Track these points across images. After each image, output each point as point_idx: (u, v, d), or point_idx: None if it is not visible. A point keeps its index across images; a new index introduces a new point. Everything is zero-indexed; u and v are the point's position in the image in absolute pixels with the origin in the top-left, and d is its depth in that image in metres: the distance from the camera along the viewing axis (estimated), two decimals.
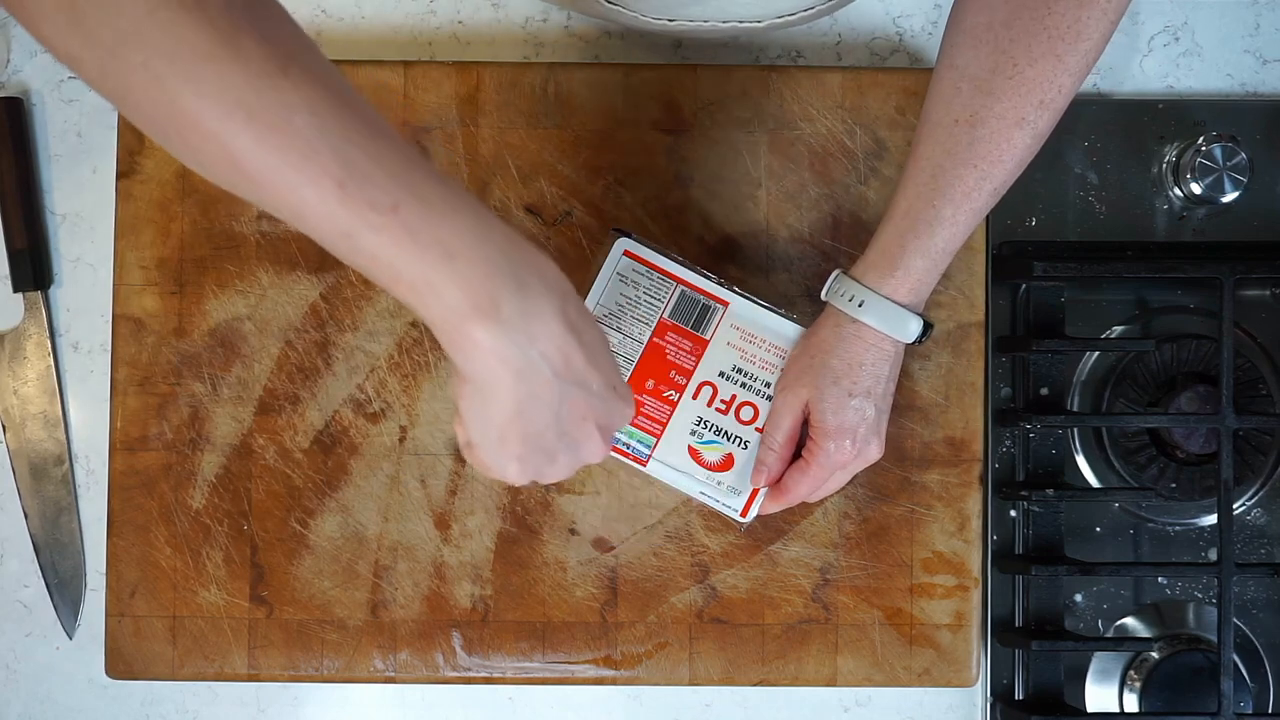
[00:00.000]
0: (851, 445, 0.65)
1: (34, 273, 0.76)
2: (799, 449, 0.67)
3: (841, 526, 0.74)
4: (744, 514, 0.68)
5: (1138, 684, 0.76)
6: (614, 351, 0.67)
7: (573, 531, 0.74)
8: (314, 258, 0.75)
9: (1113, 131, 0.78)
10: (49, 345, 0.77)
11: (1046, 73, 0.59)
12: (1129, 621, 0.77)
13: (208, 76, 0.42)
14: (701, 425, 0.68)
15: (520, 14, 0.79)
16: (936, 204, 0.61)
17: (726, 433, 0.68)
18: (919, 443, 0.75)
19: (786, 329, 0.68)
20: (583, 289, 0.68)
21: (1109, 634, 0.77)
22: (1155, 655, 0.76)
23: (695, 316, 0.68)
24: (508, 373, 0.48)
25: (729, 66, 0.76)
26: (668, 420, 0.68)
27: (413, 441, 0.74)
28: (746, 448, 0.68)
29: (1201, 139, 0.75)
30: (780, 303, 0.70)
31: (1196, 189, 0.75)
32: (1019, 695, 0.76)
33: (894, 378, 0.66)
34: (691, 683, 0.74)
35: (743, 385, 0.68)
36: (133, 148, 0.75)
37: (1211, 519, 0.78)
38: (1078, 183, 0.78)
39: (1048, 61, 0.59)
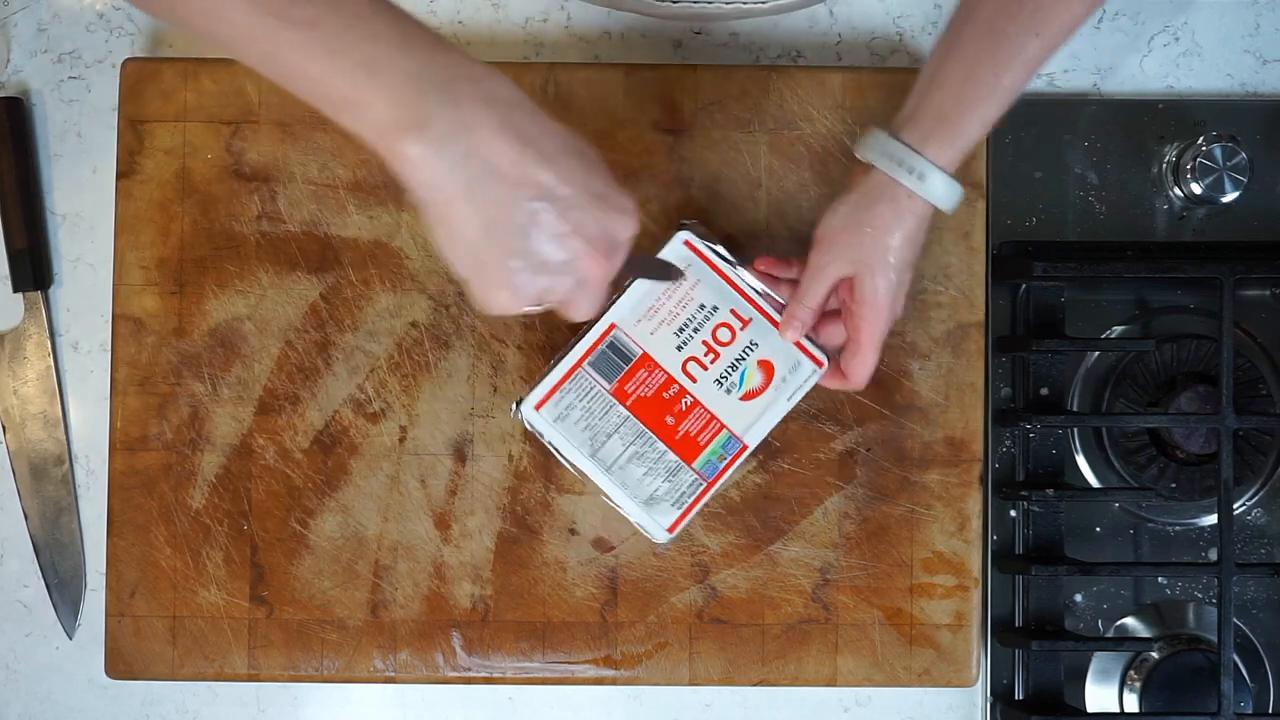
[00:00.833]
0: (894, 314, 0.65)
1: (34, 273, 0.76)
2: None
3: (841, 526, 0.75)
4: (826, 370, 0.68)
5: (1138, 684, 0.76)
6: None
7: (573, 531, 0.74)
8: (314, 258, 0.75)
9: (1113, 131, 0.78)
10: (49, 345, 0.77)
11: None
12: (1129, 621, 0.77)
13: None
14: (724, 381, 0.68)
15: (520, 14, 0.79)
16: (999, 71, 0.60)
17: (736, 360, 0.68)
18: (919, 443, 0.75)
19: (645, 285, 0.68)
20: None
21: (1109, 634, 0.77)
22: (1155, 655, 0.76)
23: (617, 358, 0.68)
24: (451, 189, 0.47)
25: (729, 66, 0.76)
26: (710, 414, 0.68)
27: (413, 441, 0.74)
28: (758, 346, 0.68)
29: (1201, 139, 0.75)
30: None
31: (1196, 189, 0.75)
32: (1019, 695, 0.76)
33: (924, 242, 0.65)
34: (691, 683, 0.74)
35: (696, 330, 0.68)
36: (133, 148, 0.75)
37: (1211, 519, 0.78)
38: (1078, 183, 0.78)
39: None
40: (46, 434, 0.77)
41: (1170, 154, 0.78)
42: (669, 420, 0.68)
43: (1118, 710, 0.76)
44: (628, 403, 0.68)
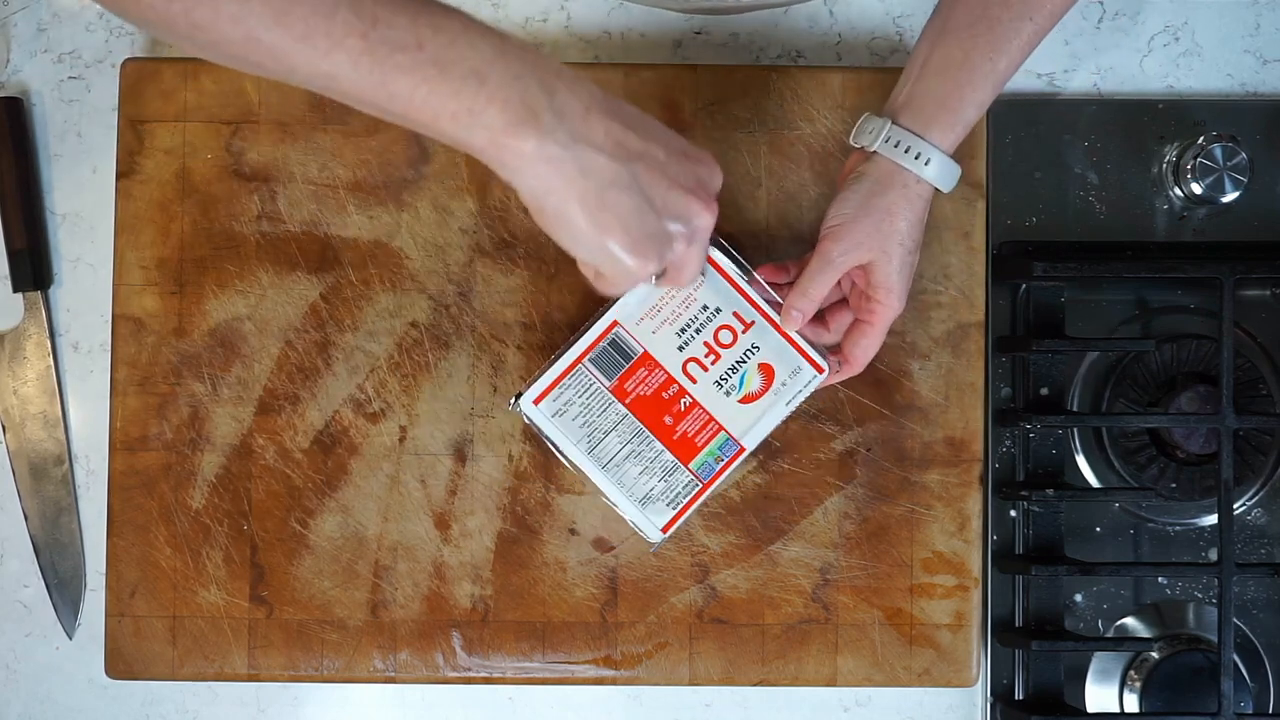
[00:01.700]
0: (905, 298, 0.66)
1: (34, 273, 0.76)
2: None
3: (841, 526, 0.75)
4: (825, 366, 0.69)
5: (1138, 684, 0.76)
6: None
7: (573, 531, 0.74)
8: (314, 258, 0.75)
9: (1113, 131, 0.78)
10: (49, 345, 0.77)
11: None
12: (1129, 621, 0.77)
13: None
14: (723, 383, 0.68)
15: (520, 14, 0.79)
16: (994, 56, 0.62)
17: (737, 362, 0.68)
18: (919, 443, 0.75)
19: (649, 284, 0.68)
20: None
21: (1109, 634, 0.77)
22: (1155, 655, 0.76)
23: (618, 355, 0.68)
24: (566, 175, 0.50)
25: (729, 66, 0.76)
26: (709, 415, 0.68)
27: (413, 441, 0.74)
28: (759, 349, 0.68)
29: (1201, 139, 0.75)
30: None
31: (1196, 189, 0.75)
32: (1019, 695, 0.76)
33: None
34: (691, 683, 0.74)
35: (698, 330, 0.68)
36: (133, 148, 0.75)
37: (1211, 519, 0.78)
38: (1078, 183, 0.78)
39: None
40: (46, 434, 0.77)
41: (1170, 154, 0.78)
42: (667, 420, 0.68)
43: (1118, 710, 0.76)
44: (626, 401, 0.68)
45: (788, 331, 0.68)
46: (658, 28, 0.79)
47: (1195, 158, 0.75)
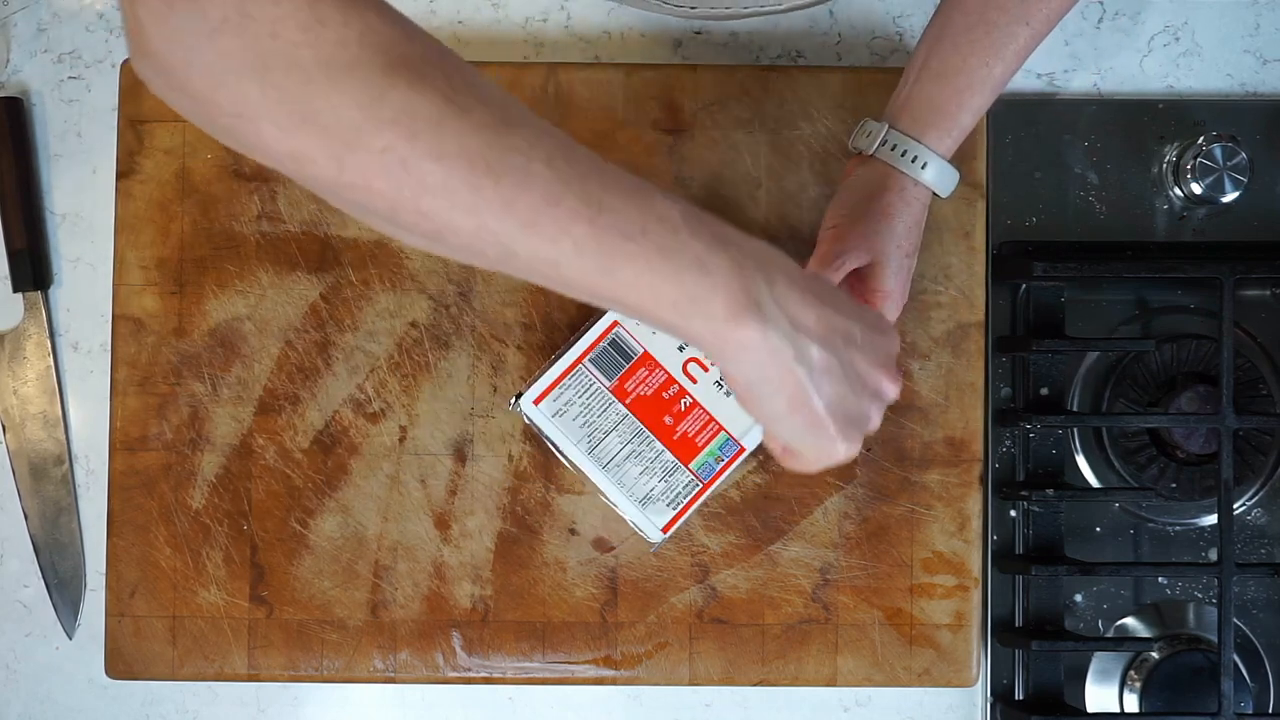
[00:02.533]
0: (903, 302, 0.66)
1: (34, 273, 0.76)
2: None
3: (841, 526, 0.75)
4: None
5: (1138, 684, 0.76)
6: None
7: (573, 531, 0.74)
8: (314, 258, 0.75)
9: (1113, 131, 0.78)
10: (49, 345, 0.77)
11: None
12: (1129, 621, 0.77)
13: (448, 139, 0.42)
14: (721, 382, 0.68)
15: (520, 14, 0.79)
16: (990, 62, 0.62)
17: None
18: (919, 443, 0.75)
19: None
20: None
21: (1109, 634, 0.77)
22: (1155, 655, 0.76)
23: (618, 355, 0.68)
24: (784, 361, 0.48)
25: (729, 66, 0.76)
26: (709, 415, 0.68)
27: (413, 441, 0.74)
28: None
29: (1201, 139, 0.75)
30: None
31: (1196, 189, 0.75)
32: (1019, 695, 0.76)
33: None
34: (691, 683, 0.74)
35: None
36: (133, 148, 0.75)
37: (1211, 519, 0.78)
38: (1078, 183, 0.78)
39: None
40: (46, 434, 0.77)
41: (1170, 154, 0.78)
42: (667, 420, 0.68)
43: (1118, 710, 0.76)
44: (627, 401, 0.68)
45: None
46: (658, 28, 0.79)
47: (1195, 158, 0.75)
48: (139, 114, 0.75)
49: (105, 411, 0.75)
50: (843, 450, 0.53)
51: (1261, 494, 0.78)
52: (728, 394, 0.68)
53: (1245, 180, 0.75)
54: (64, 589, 0.77)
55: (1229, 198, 0.75)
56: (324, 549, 0.74)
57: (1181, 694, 0.75)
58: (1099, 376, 0.79)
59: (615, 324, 0.68)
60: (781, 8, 0.66)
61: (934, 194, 0.65)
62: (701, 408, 0.68)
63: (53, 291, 0.78)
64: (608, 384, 0.68)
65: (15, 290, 0.77)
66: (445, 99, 0.42)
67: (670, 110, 0.75)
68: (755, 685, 0.75)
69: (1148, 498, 0.76)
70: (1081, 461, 0.78)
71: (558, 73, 0.75)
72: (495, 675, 0.74)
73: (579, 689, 0.77)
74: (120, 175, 0.75)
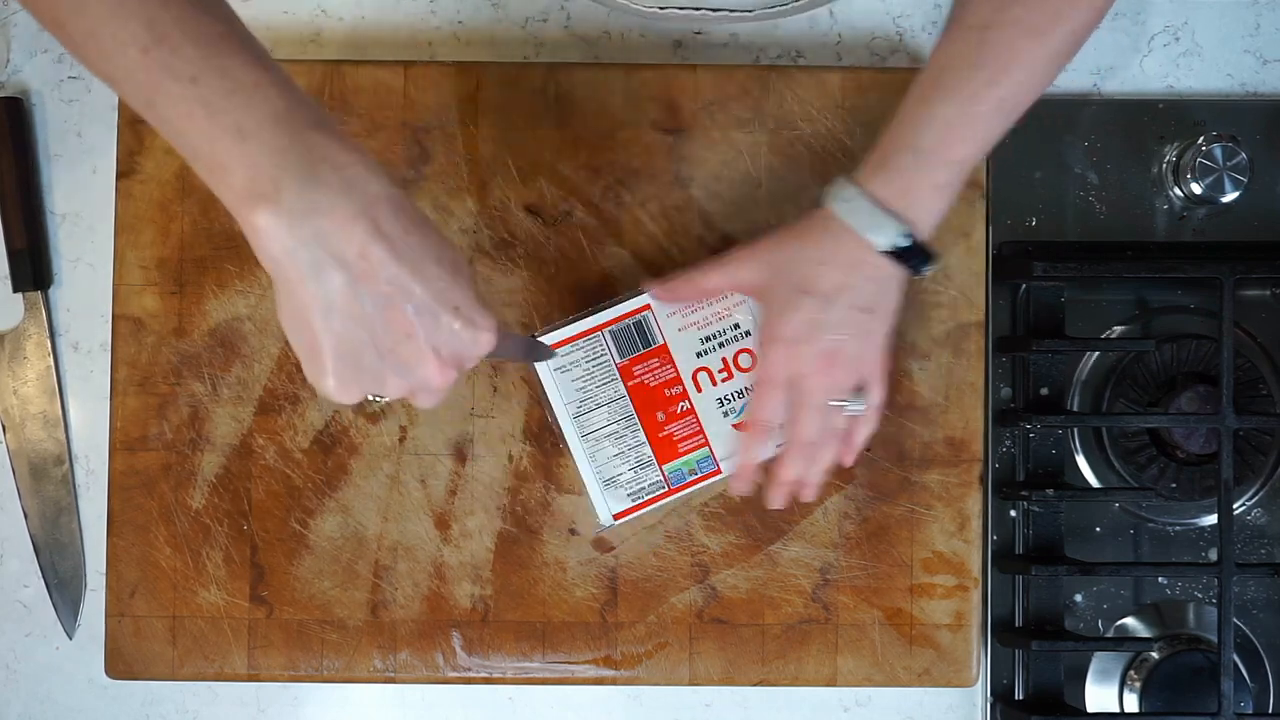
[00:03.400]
0: (808, 358, 0.62)
1: (34, 273, 0.76)
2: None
3: (841, 526, 0.74)
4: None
5: (1138, 684, 0.76)
6: (463, 275, 0.54)
7: (573, 531, 0.74)
8: None
9: (1113, 131, 0.78)
10: (49, 345, 0.77)
11: None
12: (1129, 621, 0.77)
13: None
14: (725, 402, 0.68)
15: (520, 14, 0.79)
16: (932, 102, 0.60)
17: (745, 388, 0.68)
18: (919, 443, 0.75)
19: None
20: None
21: (1109, 634, 0.77)
22: (1155, 655, 0.76)
23: (638, 337, 0.68)
24: (295, 267, 0.46)
25: (729, 66, 0.76)
26: (699, 427, 0.68)
27: (413, 441, 0.74)
28: None
29: (1201, 139, 0.75)
30: None
31: (1196, 189, 0.75)
32: (1019, 695, 0.76)
33: (879, 304, 0.62)
34: (691, 683, 0.74)
35: (721, 345, 0.68)
36: (133, 148, 0.75)
37: (1211, 519, 0.78)
38: (1078, 183, 0.78)
39: None
40: (46, 434, 0.77)
41: (1170, 154, 0.78)
42: (660, 416, 0.68)
43: (1118, 710, 0.76)
44: (629, 383, 0.68)
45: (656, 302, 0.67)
46: (658, 28, 0.79)
47: (1195, 158, 0.75)
48: (139, 114, 0.74)
49: (105, 411, 0.75)
50: (332, 387, 0.49)
51: (1261, 494, 0.78)
52: (726, 415, 0.68)
53: (1245, 180, 0.75)
54: (64, 589, 0.77)
55: (1229, 198, 0.75)
56: (324, 549, 0.74)
57: (1181, 694, 0.75)
58: (1099, 376, 0.79)
59: (647, 306, 0.68)
60: (751, 14, 0.66)
61: (873, 248, 0.61)
62: (695, 417, 0.68)
63: (53, 291, 0.78)
64: (618, 359, 0.68)
65: (15, 290, 0.77)
66: None
67: (670, 110, 0.75)
68: (755, 685, 0.75)
69: (1148, 498, 0.76)
70: (1081, 461, 0.78)
71: (558, 73, 0.75)
72: (495, 675, 0.74)
73: (579, 689, 0.77)
74: (120, 175, 0.75)
